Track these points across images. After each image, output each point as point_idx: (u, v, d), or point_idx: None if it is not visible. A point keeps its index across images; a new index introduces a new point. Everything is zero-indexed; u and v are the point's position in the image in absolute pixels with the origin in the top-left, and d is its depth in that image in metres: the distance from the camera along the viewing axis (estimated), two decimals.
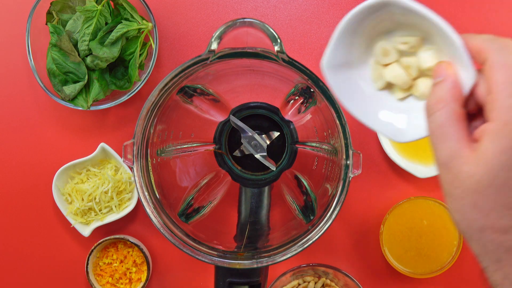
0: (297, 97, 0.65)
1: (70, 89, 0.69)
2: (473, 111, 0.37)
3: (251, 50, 0.52)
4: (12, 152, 0.77)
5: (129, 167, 0.74)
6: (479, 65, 0.37)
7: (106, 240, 0.74)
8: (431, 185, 0.75)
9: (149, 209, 0.56)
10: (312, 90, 0.59)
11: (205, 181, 0.68)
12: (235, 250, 0.58)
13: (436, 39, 0.39)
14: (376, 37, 0.42)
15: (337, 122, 0.54)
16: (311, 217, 0.60)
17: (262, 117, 0.68)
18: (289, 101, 0.66)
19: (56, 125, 0.77)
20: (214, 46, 0.52)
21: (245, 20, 0.52)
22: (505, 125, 0.33)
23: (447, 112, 0.35)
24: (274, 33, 0.52)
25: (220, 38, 0.53)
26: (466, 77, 0.36)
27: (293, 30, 0.76)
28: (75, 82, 0.70)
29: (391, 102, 0.43)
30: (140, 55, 0.71)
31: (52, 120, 0.77)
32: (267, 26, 0.52)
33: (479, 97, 0.36)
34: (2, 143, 0.77)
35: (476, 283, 0.75)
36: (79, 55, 0.69)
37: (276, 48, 0.52)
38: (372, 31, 0.41)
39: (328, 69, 0.42)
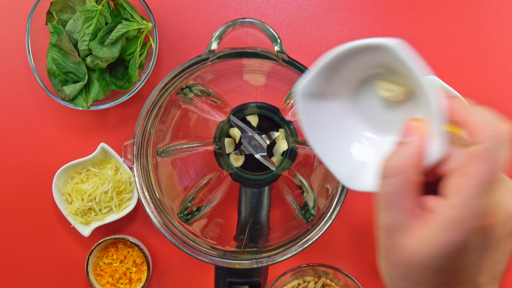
0: None
1: (70, 89, 0.69)
2: (431, 179, 0.35)
3: (251, 50, 0.52)
4: (12, 152, 0.77)
5: (129, 167, 0.74)
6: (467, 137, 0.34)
7: (106, 240, 0.74)
8: None
9: (149, 209, 0.56)
10: None
11: (205, 181, 0.68)
12: (235, 250, 0.58)
13: (420, 97, 0.36)
14: (361, 75, 0.40)
15: None
16: (311, 217, 0.60)
17: (262, 117, 0.68)
18: (289, 101, 0.66)
19: (56, 125, 0.77)
20: (214, 46, 0.52)
21: (245, 20, 0.52)
22: (453, 219, 0.31)
23: (401, 181, 0.33)
24: (274, 33, 0.52)
25: (220, 38, 0.53)
26: (435, 149, 0.33)
27: (293, 30, 0.76)
28: (75, 82, 0.70)
29: (353, 146, 0.41)
30: (140, 55, 0.71)
31: (52, 120, 0.77)
32: (267, 26, 0.52)
33: (444, 169, 0.33)
34: (2, 143, 0.77)
35: None
36: (79, 55, 0.69)
37: (276, 48, 0.52)
38: (359, 69, 0.39)
39: (303, 95, 0.40)
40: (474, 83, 0.75)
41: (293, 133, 0.67)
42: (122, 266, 0.75)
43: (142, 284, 0.75)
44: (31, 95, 0.77)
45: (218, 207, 0.67)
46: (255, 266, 0.54)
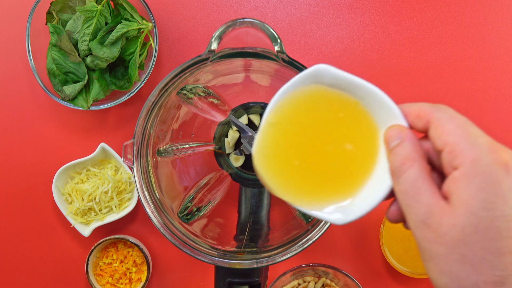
0: None
1: (70, 89, 0.69)
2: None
3: (251, 50, 0.52)
4: (12, 152, 0.77)
5: (129, 167, 0.74)
6: (419, 133, 0.36)
7: (106, 240, 0.74)
8: None
9: (149, 209, 0.56)
10: None
11: (205, 181, 0.68)
12: (235, 250, 0.58)
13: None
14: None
15: None
16: (311, 217, 0.60)
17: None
18: None
19: (56, 125, 0.77)
20: (214, 46, 0.52)
21: (245, 20, 0.52)
22: (473, 163, 0.32)
23: (418, 168, 0.34)
24: (274, 33, 0.52)
25: (220, 38, 0.53)
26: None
27: (293, 30, 0.76)
28: (75, 82, 0.70)
29: None
30: (140, 55, 0.71)
31: (52, 120, 0.77)
32: (267, 26, 0.52)
33: (433, 158, 0.36)
34: (2, 143, 0.77)
35: None
36: (79, 55, 0.69)
37: (276, 48, 0.52)
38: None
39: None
40: (474, 83, 0.75)
41: None
42: (122, 266, 0.75)
43: (142, 284, 0.75)
44: (31, 95, 0.77)
45: (218, 207, 0.67)
46: (255, 266, 0.54)
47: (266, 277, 0.59)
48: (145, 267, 0.75)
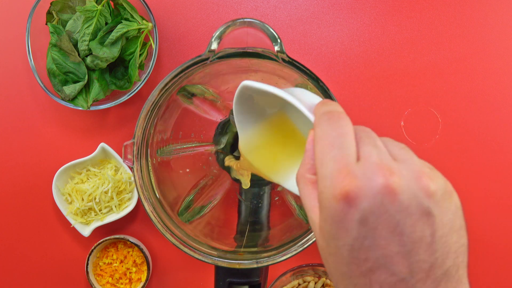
0: None
1: (70, 89, 0.69)
2: None
3: (251, 50, 0.52)
4: (12, 152, 0.77)
5: (129, 167, 0.74)
6: None
7: (106, 240, 0.74)
8: None
9: (149, 209, 0.56)
10: (312, 89, 0.59)
11: (205, 181, 0.68)
12: (235, 250, 0.58)
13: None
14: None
15: None
16: None
17: None
18: None
19: (56, 125, 0.77)
20: (214, 46, 0.52)
21: (245, 20, 0.52)
22: (320, 196, 0.32)
23: (303, 180, 0.36)
24: (274, 33, 0.52)
25: (220, 38, 0.53)
26: None
27: (293, 30, 0.76)
28: (75, 82, 0.70)
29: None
30: (140, 55, 0.71)
31: (52, 120, 0.77)
32: (267, 26, 0.52)
33: None
34: (2, 143, 0.77)
35: (476, 283, 0.75)
36: (79, 55, 0.69)
37: (276, 48, 0.52)
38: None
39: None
40: (474, 83, 0.75)
41: None
42: (122, 266, 0.75)
43: (142, 284, 0.75)
44: (31, 95, 0.77)
45: (218, 207, 0.67)
46: (255, 266, 0.54)
47: (266, 277, 0.59)
48: (145, 267, 0.75)
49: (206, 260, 0.55)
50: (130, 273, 0.76)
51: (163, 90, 0.54)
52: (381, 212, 0.31)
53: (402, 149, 0.34)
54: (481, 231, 0.75)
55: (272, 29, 0.52)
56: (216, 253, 0.56)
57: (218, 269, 0.57)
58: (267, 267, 0.58)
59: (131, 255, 0.76)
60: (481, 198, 0.75)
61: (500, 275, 0.75)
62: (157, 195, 0.58)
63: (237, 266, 0.55)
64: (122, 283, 0.76)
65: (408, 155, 0.33)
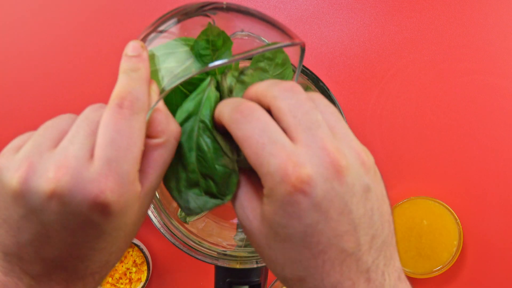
0: None
1: (198, 202, 0.39)
2: None
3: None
4: None
5: None
6: None
7: None
8: (431, 185, 0.75)
9: (149, 209, 0.55)
10: (312, 90, 0.59)
11: None
12: (235, 250, 0.58)
13: None
14: None
15: None
16: None
17: None
18: None
19: None
20: None
21: (243, 32, 0.52)
22: (269, 191, 0.32)
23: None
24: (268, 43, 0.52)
25: None
26: None
27: (293, 30, 0.76)
28: (207, 193, 0.40)
29: None
30: None
31: None
32: (263, 38, 0.52)
33: None
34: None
35: (476, 283, 0.75)
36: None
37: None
38: None
39: None
40: (474, 83, 0.75)
41: None
42: (122, 266, 0.75)
43: (142, 284, 0.75)
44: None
45: (218, 207, 0.67)
46: (255, 266, 0.54)
47: (266, 277, 0.59)
48: (145, 267, 0.75)
49: (206, 260, 0.55)
50: (130, 273, 0.76)
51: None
52: (331, 196, 0.31)
53: (339, 120, 0.34)
54: (481, 231, 0.75)
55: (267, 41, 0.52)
56: (216, 253, 0.56)
57: (218, 269, 0.57)
58: (267, 267, 0.58)
59: (131, 255, 0.76)
60: (481, 198, 0.75)
61: (500, 275, 0.75)
62: (157, 195, 0.58)
63: (237, 266, 0.55)
64: (122, 283, 0.76)
65: (344, 128, 0.34)
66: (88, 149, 0.31)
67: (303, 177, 0.31)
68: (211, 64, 0.34)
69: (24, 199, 0.31)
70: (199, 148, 0.36)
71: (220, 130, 0.37)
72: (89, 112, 0.33)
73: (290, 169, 0.31)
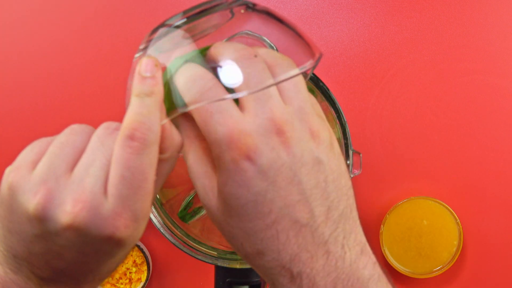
0: None
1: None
2: None
3: None
4: (12, 153, 0.77)
5: None
6: None
7: None
8: (431, 185, 0.75)
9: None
10: (312, 90, 0.59)
11: None
12: None
13: None
14: None
15: (337, 122, 0.53)
16: None
17: None
18: None
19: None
20: None
21: (243, 32, 0.52)
22: (217, 161, 0.33)
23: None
24: (272, 45, 0.52)
25: None
26: None
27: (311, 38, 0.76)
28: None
29: None
30: None
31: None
32: (264, 38, 0.52)
33: None
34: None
35: (476, 283, 0.75)
36: None
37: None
38: None
39: None
40: (474, 83, 0.75)
41: None
42: (122, 266, 0.75)
43: (142, 284, 0.75)
44: None
45: None
46: None
47: None
48: (145, 267, 0.75)
49: (206, 260, 0.55)
50: (130, 273, 0.76)
51: None
52: (278, 165, 0.32)
53: (294, 85, 0.34)
54: (481, 231, 0.75)
55: (269, 40, 0.52)
56: (216, 253, 0.56)
57: (218, 269, 0.57)
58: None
59: (131, 255, 0.76)
60: (481, 198, 0.75)
61: (500, 275, 0.75)
62: (157, 195, 0.58)
63: (237, 266, 0.55)
64: (122, 283, 0.76)
65: (301, 99, 0.34)
66: (102, 183, 0.32)
67: (248, 144, 0.31)
68: (227, 96, 0.33)
69: (40, 224, 0.32)
70: None
71: None
72: (104, 136, 0.33)
73: (235, 136, 0.31)
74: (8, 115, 0.77)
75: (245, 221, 0.33)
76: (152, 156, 0.32)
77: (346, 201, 0.35)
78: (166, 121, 0.34)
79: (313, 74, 0.55)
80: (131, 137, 0.31)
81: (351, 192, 0.35)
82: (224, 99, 0.33)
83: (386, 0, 0.76)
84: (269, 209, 0.32)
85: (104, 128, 0.34)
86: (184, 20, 0.36)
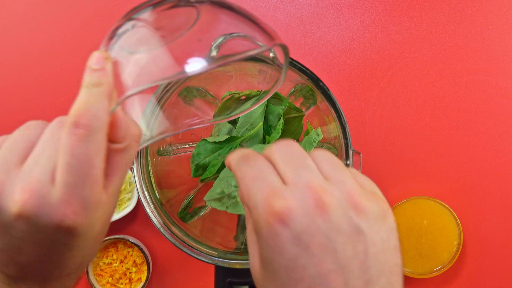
0: (297, 97, 0.65)
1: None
2: None
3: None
4: None
5: None
6: None
7: (106, 240, 0.74)
8: (431, 185, 0.75)
9: (149, 209, 0.56)
10: (312, 90, 0.59)
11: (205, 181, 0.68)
12: (235, 250, 0.58)
13: None
14: None
15: (337, 122, 0.53)
16: None
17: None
18: (291, 101, 0.66)
19: None
20: (213, 53, 0.53)
21: (240, 34, 0.52)
22: (254, 225, 0.33)
23: None
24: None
25: (218, 47, 0.53)
26: None
27: (293, 30, 0.76)
28: None
29: None
30: None
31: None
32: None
33: None
34: None
35: (476, 283, 0.75)
36: None
37: (271, 54, 0.52)
38: None
39: None
40: (474, 83, 0.75)
41: None
42: (122, 266, 0.75)
43: (142, 284, 0.75)
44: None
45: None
46: None
47: None
48: (145, 267, 0.75)
49: (206, 260, 0.55)
50: (130, 273, 0.76)
51: (165, 91, 0.55)
52: (313, 230, 0.31)
53: (336, 168, 0.34)
54: (481, 231, 0.75)
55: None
56: (216, 253, 0.56)
57: (218, 269, 0.57)
58: None
59: (131, 255, 0.76)
60: (481, 198, 0.75)
61: (500, 275, 0.75)
62: (157, 195, 0.58)
63: (237, 266, 0.55)
64: (122, 283, 0.76)
65: (342, 175, 0.33)
66: (50, 172, 0.31)
67: (283, 208, 0.31)
68: (189, 71, 0.33)
69: None
70: None
71: None
72: (55, 129, 0.33)
73: (271, 201, 0.31)
74: (8, 115, 0.77)
75: (279, 287, 0.32)
76: (98, 143, 0.31)
77: (389, 278, 0.32)
78: (115, 107, 0.33)
79: (313, 74, 0.55)
80: (76, 124, 0.31)
81: (397, 269, 0.33)
82: (179, 76, 0.33)
83: (386, 0, 0.76)
84: (301, 276, 0.31)
85: (56, 121, 0.34)
86: (148, 12, 0.36)
